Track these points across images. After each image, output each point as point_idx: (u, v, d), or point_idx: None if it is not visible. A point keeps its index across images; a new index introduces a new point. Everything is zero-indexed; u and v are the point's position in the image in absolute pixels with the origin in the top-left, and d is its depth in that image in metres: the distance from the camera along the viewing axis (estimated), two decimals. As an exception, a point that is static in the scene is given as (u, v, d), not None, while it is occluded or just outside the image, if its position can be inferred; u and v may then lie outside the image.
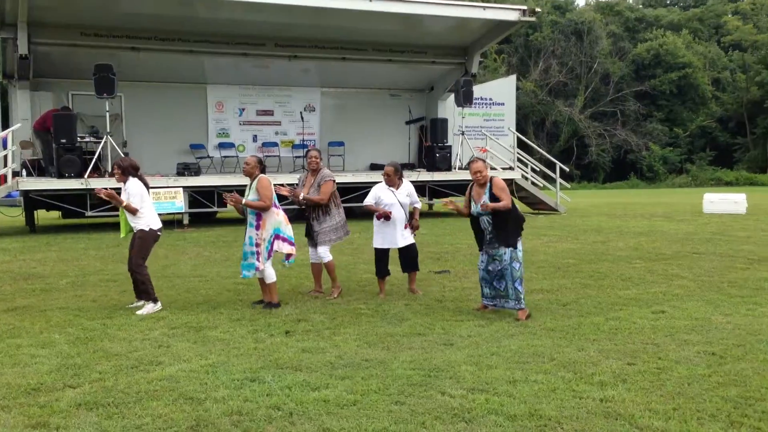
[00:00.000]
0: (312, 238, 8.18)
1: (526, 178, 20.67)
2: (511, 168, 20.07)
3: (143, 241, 7.45)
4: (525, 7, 19.19)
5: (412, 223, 8.19)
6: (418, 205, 8.39)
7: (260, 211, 7.34)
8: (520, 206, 18.93)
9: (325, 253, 8.07)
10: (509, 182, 18.47)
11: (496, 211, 6.81)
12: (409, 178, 16.89)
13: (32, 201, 15.69)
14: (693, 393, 4.50)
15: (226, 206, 14.90)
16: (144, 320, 6.85)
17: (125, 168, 7.52)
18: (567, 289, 8.36)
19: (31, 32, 15.72)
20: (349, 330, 6.35)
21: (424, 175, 18.53)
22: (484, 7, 18.49)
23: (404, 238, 8.06)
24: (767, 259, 10.32)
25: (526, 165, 21.60)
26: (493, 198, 6.86)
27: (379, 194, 8.05)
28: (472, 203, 7.04)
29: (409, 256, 8.15)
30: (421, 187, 18.26)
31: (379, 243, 8.09)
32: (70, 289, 8.75)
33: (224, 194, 7.66)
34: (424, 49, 20.26)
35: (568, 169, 24.06)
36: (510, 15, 18.85)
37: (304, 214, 8.32)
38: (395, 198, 8.00)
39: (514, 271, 6.82)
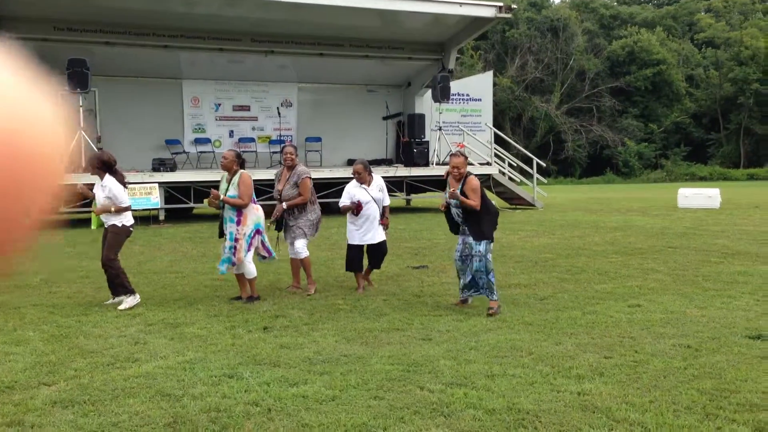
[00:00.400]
0: (287, 234, 8.14)
1: (504, 174, 20.76)
2: (488, 163, 20.14)
3: (116, 236, 7.31)
4: (501, 4, 19.23)
5: (382, 221, 8.17)
6: (387, 203, 8.22)
7: (239, 208, 7.30)
8: (497, 201, 19.10)
9: (302, 248, 8.02)
10: (486, 177, 18.56)
11: (463, 205, 6.84)
12: (386, 173, 17.06)
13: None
14: (669, 386, 4.54)
15: (202, 202, 14.71)
16: (120, 317, 6.78)
17: (91, 163, 7.33)
18: (544, 283, 8.40)
19: (3, 26, 15.47)
20: (328, 325, 6.33)
21: (402, 171, 18.54)
22: (461, 4, 18.52)
23: (378, 234, 8.03)
24: (741, 253, 10.46)
25: (503, 160, 21.70)
26: (464, 196, 6.89)
27: (354, 193, 7.97)
28: (448, 189, 7.06)
29: (379, 254, 8.11)
30: (398, 183, 18.28)
31: (353, 239, 8.06)
32: (44, 285, 8.62)
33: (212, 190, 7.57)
34: (401, 45, 20.25)
35: (544, 165, 24.21)
36: (486, 11, 18.90)
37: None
38: (369, 195, 7.95)
39: (489, 263, 6.86)
